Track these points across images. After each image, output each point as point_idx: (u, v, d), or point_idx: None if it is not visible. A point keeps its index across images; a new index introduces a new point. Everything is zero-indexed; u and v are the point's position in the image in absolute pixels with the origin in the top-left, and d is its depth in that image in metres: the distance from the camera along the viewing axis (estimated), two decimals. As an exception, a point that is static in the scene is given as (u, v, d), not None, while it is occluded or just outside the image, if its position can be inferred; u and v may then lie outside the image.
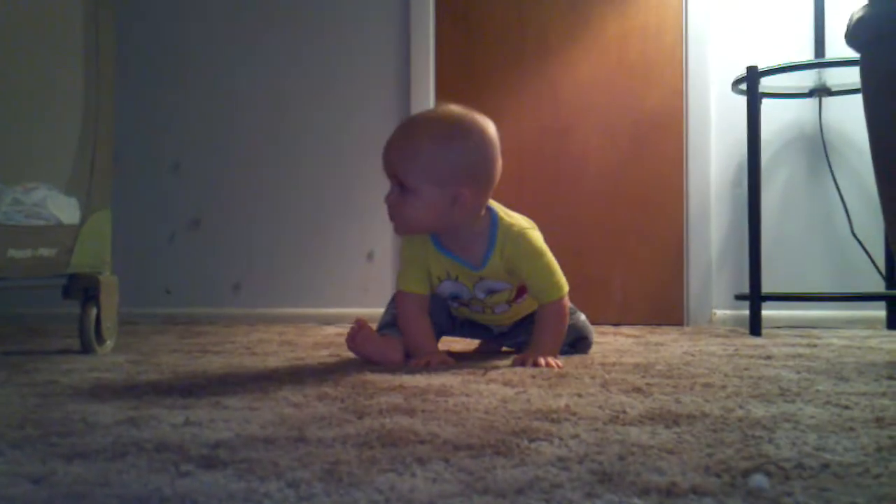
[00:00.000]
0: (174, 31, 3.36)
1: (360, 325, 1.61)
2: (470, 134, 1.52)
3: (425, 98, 3.09)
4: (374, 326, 1.70)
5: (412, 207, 1.52)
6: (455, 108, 1.56)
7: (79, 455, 0.77)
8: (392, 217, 1.57)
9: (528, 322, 1.73)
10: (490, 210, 1.62)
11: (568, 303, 1.65)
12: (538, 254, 1.60)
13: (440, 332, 1.74)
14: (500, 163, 1.56)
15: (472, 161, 1.51)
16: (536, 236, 1.62)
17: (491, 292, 1.65)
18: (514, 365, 1.53)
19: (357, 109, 3.19)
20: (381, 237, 3.13)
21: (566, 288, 1.63)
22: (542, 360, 1.51)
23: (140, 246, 3.27)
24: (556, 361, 1.53)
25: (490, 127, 1.55)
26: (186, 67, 3.34)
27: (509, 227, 1.59)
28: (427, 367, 1.50)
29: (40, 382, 1.32)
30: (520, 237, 1.59)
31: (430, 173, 1.50)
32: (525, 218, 1.67)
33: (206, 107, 3.31)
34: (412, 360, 1.56)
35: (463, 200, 1.51)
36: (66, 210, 1.85)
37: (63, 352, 1.90)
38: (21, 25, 1.75)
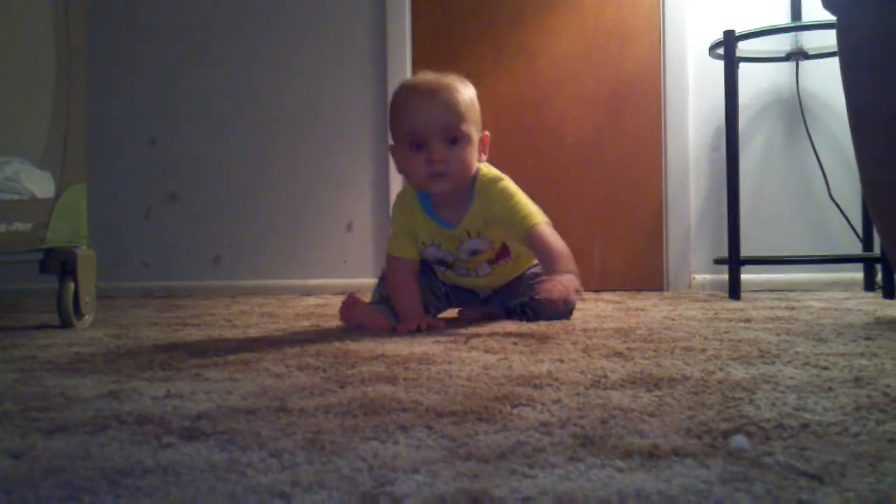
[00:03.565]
0: (148, 4, 3.30)
1: (352, 299, 1.67)
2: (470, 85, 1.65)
3: (402, 68, 3.06)
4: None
5: (466, 154, 1.58)
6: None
7: (59, 429, 0.76)
8: (441, 175, 1.56)
9: (512, 286, 1.79)
10: None
11: (552, 229, 1.60)
12: (509, 195, 1.65)
13: (429, 312, 1.75)
14: None
15: (478, 107, 1.63)
16: (508, 183, 1.67)
17: (474, 253, 1.68)
18: (539, 297, 1.44)
19: (333, 80, 3.15)
20: (360, 208, 3.11)
21: (544, 218, 1.62)
22: (563, 291, 1.44)
23: (117, 220, 3.24)
24: (576, 287, 1.48)
25: None
26: (161, 41, 3.28)
27: (485, 177, 1.66)
28: (418, 332, 1.52)
29: (18, 358, 1.31)
30: (492, 185, 1.65)
31: (472, 116, 1.59)
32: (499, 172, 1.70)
33: (181, 81, 3.27)
34: (401, 324, 1.59)
35: (487, 142, 1.64)
36: (40, 184, 1.82)
37: (41, 327, 1.88)
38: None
